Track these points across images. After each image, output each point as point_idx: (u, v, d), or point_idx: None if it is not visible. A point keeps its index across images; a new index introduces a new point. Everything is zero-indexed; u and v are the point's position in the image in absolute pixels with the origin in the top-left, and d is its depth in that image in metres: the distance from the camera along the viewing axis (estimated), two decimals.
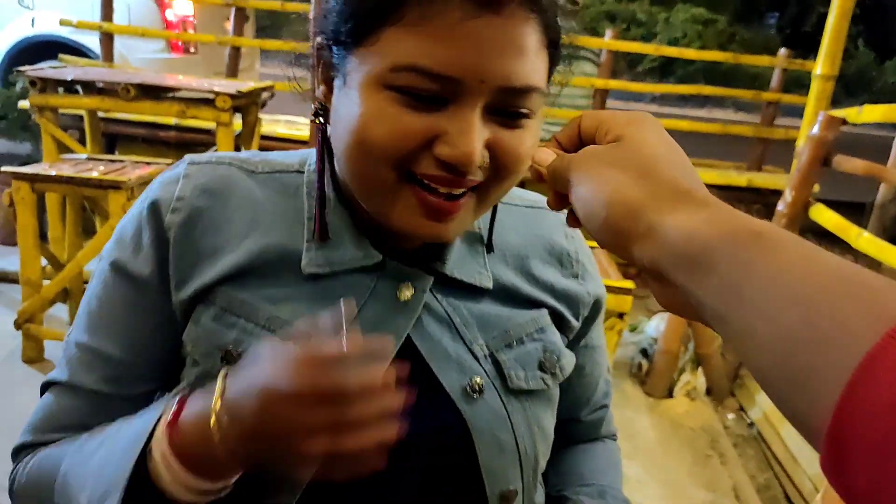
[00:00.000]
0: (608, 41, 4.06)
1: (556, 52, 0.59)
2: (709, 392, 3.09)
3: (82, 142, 3.70)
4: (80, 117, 3.70)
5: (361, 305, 0.62)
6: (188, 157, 0.68)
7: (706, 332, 2.90)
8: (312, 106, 0.64)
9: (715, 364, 3.01)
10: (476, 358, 0.65)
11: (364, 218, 0.64)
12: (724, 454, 2.74)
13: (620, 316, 2.21)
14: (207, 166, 0.65)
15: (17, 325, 2.79)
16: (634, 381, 3.20)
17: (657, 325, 3.20)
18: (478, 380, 0.64)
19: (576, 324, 0.74)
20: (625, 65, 12.37)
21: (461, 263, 0.67)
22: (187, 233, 0.62)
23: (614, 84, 4.21)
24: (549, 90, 0.62)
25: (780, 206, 2.80)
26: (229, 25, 4.75)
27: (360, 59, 0.54)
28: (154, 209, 0.63)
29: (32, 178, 2.67)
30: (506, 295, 0.69)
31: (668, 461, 2.67)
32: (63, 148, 3.30)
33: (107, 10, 4.35)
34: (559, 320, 0.73)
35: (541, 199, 0.74)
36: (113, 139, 4.25)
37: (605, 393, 0.86)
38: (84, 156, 3.16)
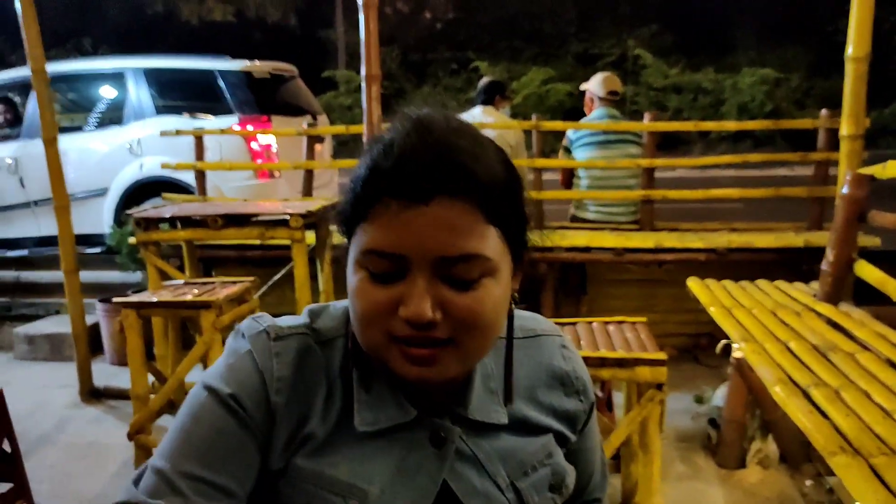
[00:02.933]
0: (647, 123, 4.24)
1: (507, 222, 0.70)
2: (784, 459, 3.04)
3: (182, 268, 4.19)
4: (180, 246, 4.21)
5: (405, 455, 0.74)
6: (268, 326, 0.76)
7: (770, 398, 2.89)
8: None
9: (785, 430, 2.97)
10: (500, 489, 0.77)
11: (395, 376, 0.73)
12: None
13: (659, 387, 2.30)
14: (290, 340, 0.75)
15: (130, 437, 3.16)
16: (706, 453, 3.19)
17: (723, 393, 3.20)
18: None
19: (574, 438, 0.87)
20: (696, 134, 12.38)
21: (480, 406, 0.78)
22: (287, 413, 0.73)
23: (659, 162, 4.34)
24: (520, 253, 0.74)
25: (824, 266, 2.83)
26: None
27: (351, 247, 0.71)
28: (261, 390, 0.72)
29: (138, 306, 3.09)
30: (519, 425, 0.80)
31: None
32: (166, 276, 3.77)
33: (199, 151, 4.97)
34: (561, 438, 0.85)
35: (537, 326, 0.87)
36: (209, 262, 4.76)
37: (599, 486, 0.96)
38: (181, 281, 3.60)
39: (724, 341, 3.10)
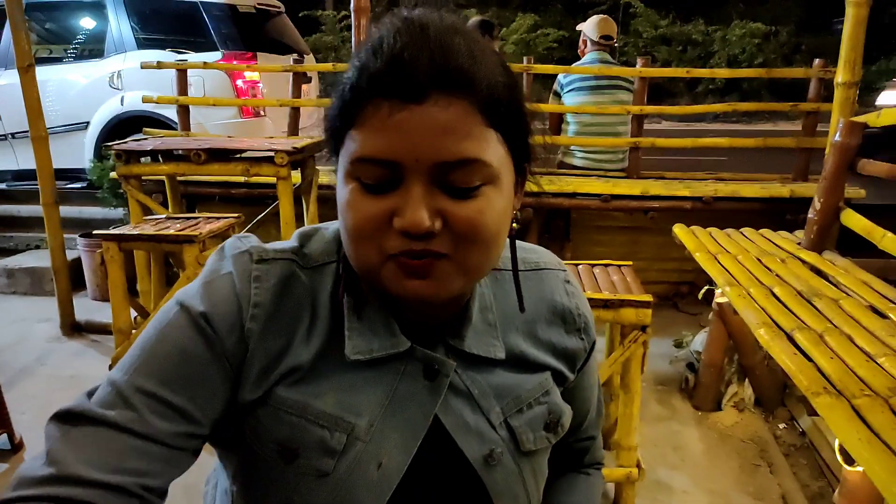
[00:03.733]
0: (639, 69, 4.18)
1: (508, 126, 0.64)
2: (758, 403, 3.11)
3: (165, 204, 4.13)
4: (163, 182, 4.13)
5: (395, 385, 0.71)
6: (248, 247, 0.72)
7: (749, 343, 2.94)
8: None
9: (761, 374, 3.03)
10: (493, 426, 0.74)
11: (388, 300, 0.71)
12: (774, 463, 2.76)
13: (643, 329, 2.32)
14: (274, 265, 0.70)
15: (111, 369, 3.15)
16: (683, 396, 3.26)
17: (702, 339, 3.25)
18: (496, 449, 0.73)
19: (571, 377, 0.83)
20: (684, 87, 12.30)
21: (477, 339, 0.74)
22: (263, 341, 0.68)
23: (649, 109, 4.31)
24: (522, 163, 0.69)
25: (811, 214, 2.84)
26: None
27: (340, 159, 0.65)
28: (236, 315, 0.68)
29: (119, 238, 3.05)
30: (516, 361, 0.77)
31: (715, 471, 2.72)
32: (148, 211, 3.71)
33: (182, 85, 4.84)
34: (559, 377, 0.81)
35: (542, 259, 0.83)
36: (193, 199, 4.69)
37: (594, 424, 0.94)
38: (164, 216, 3.55)
39: (706, 287, 3.14)
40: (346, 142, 0.64)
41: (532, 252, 0.83)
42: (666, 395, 3.27)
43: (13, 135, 5.73)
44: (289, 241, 0.75)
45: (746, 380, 3.09)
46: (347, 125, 0.63)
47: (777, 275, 2.57)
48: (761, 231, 3.27)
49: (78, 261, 4.49)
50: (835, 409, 1.62)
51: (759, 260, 2.76)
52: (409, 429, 0.71)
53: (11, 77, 4.68)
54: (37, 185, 3.87)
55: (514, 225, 0.73)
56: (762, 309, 2.25)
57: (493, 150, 0.63)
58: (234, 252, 0.71)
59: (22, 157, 5.68)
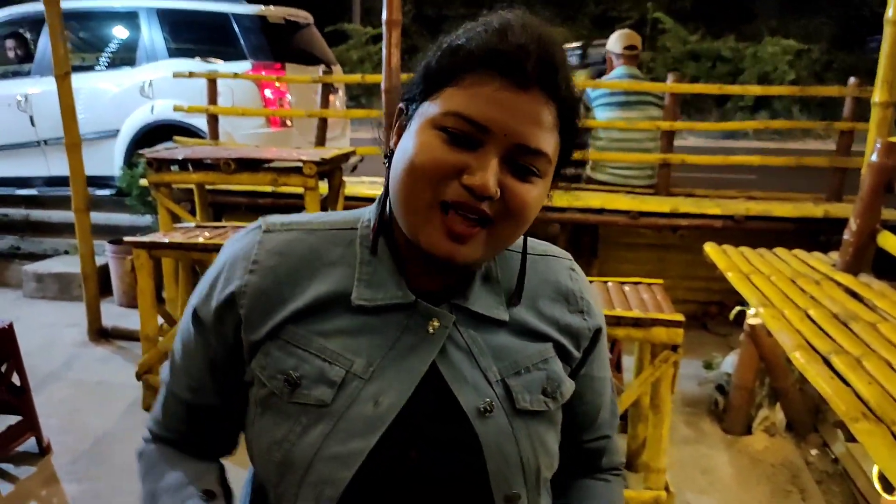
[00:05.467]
0: (670, 85, 4.14)
1: (566, 137, 0.74)
2: (790, 428, 3.04)
3: (193, 212, 4.16)
4: (190, 190, 4.17)
5: (398, 336, 0.76)
6: (262, 221, 0.82)
7: (781, 365, 2.88)
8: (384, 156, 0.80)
9: (793, 398, 2.97)
10: (489, 383, 0.77)
11: (403, 262, 0.78)
12: (806, 490, 2.69)
13: (674, 349, 2.28)
14: (278, 234, 0.80)
15: (138, 376, 3.17)
16: (712, 419, 3.19)
17: (732, 361, 3.19)
18: (489, 401, 0.76)
19: (577, 354, 0.85)
20: (712, 103, 12.20)
21: (480, 300, 0.79)
22: (262, 289, 0.77)
23: (680, 125, 4.26)
24: (559, 171, 0.77)
25: (846, 236, 2.78)
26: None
27: (425, 109, 0.72)
28: (233, 271, 0.78)
29: (149, 246, 3.07)
30: (518, 328, 0.81)
31: (745, 497, 2.65)
32: (177, 218, 3.74)
33: (211, 95, 4.90)
34: (563, 352, 0.84)
35: (549, 248, 0.90)
36: (220, 208, 4.73)
37: (608, 423, 0.94)
38: (193, 224, 3.57)
39: (738, 307, 3.08)
40: (442, 95, 0.71)
41: (543, 244, 0.90)
42: (695, 418, 3.21)
43: (45, 141, 5.82)
44: (305, 216, 0.84)
45: (778, 404, 3.03)
46: (448, 81, 0.71)
47: (812, 297, 2.52)
48: (794, 251, 3.21)
49: (106, 267, 4.54)
50: (874, 436, 1.58)
51: (793, 281, 2.71)
52: (406, 373, 0.75)
53: (45, 85, 4.77)
54: (67, 190, 3.92)
55: None
56: (798, 331, 2.20)
57: (554, 150, 0.73)
58: (250, 227, 0.82)
59: (53, 164, 5.77)
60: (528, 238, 0.87)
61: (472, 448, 0.75)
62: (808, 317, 2.31)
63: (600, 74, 4.63)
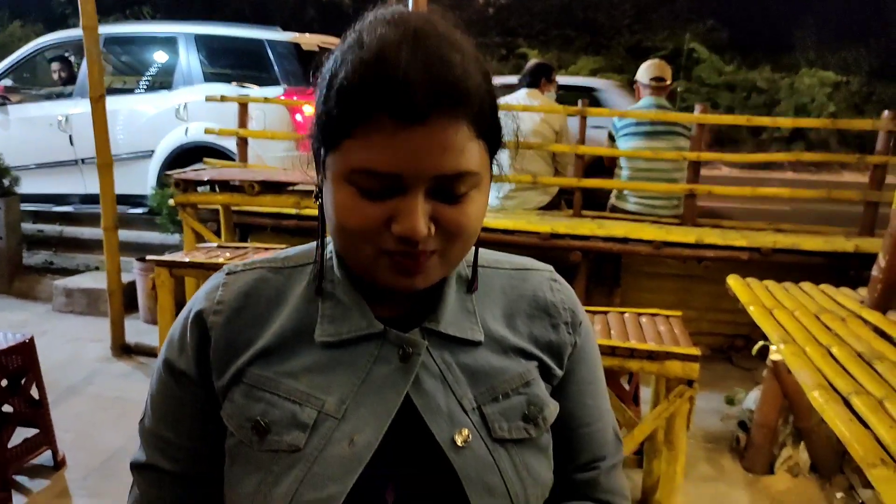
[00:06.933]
0: (697, 115, 4.10)
1: (493, 135, 0.71)
2: (814, 469, 2.93)
3: (218, 233, 4.22)
4: (218, 211, 4.23)
5: (369, 368, 0.73)
6: (226, 267, 0.82)
7: (805, 404, 2.78)
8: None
9: (818, 438, 2.86)
10: (465, 411, 0.73)
11: (365, 290, 0.75)
12: None
13: (689, 383, 2.22)
14: (242, 274, 0.79)
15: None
16: (733, 456, 3.09)
17: (756, 397, 3.09)
18: (465, 431, 0.72)
19: (559, 372, 0.81)
20: (747, 134, 12.04)
21: (454, 321, 0.76)
22: (227, 330, 0.75)
23: (707, 156, 4.21)
24: (496, 160, 0.74)
25: (875, 272, 2.70)
26: None
27: (332, 161, 0.68)
28: (198, 315, 0.76)
29: (170, 265, 3.12)
30: (496, 345, 0.77)
31: None
32: (202, 238, 3.80)
33: (242, 118, 4.99)
34: (545, 370, 0.80)
35: (527, 262, 0.86)
36: (246, 229, 4.79)
37: (601, 455, 0.85)
38: (216, 244, 3.62)
39: (761, 343, 3.00)
40: (342, 148, 0.66)
41: (525, 260, 0.87)
42: (715, 454, 3.12)
43: (83, 160, 5.98)
44: (268, 256, 0.83)
45: (802, 443, 2.92)
46: (343, 133, 0.66)
47: (836, 334, 2.44)
48: (821, 287, 3.12)
49: (133, 284, 4.62)
50: (892, 484, 1.50)
51: (817, 317, 2.63)
52: (381, 407, 0.71)
53: (85, 106, 4.90)
54: (100, 208, 4.01)
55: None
56: (818, 369, 2.12)
57: (480, 159, 0.69)
58: (214, 276, 0.81)
59: (89, 182, 5.92)
60: (507, 254, 0.87)
61: (452, 483, 0.71)
62: (831, 355, 2.24)
63: None
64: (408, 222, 0.65)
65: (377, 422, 0.71)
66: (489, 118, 0.69)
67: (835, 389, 1.98)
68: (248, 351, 0.74)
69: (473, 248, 0.79)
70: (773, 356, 2.82)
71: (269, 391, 0.72)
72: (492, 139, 0.71)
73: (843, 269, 3.71)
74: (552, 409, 0.79)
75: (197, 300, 0.78)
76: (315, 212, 0.82)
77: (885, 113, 3.99)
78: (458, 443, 0.71)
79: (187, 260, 3.12)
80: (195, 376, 0.76)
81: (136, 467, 0.82)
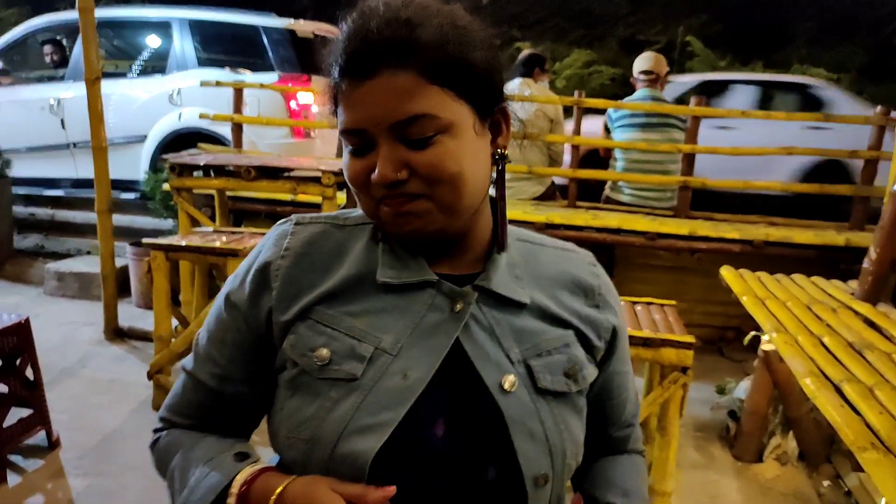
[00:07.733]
0: (691, 108, 4.13)
1: (459, 80, 0.74)
2: (802, 458, 2.98)
3: (213, 218, 4.21)
4: (212, 196, 4.22)
5: (423, 314, 0.79)
6: (294, 217, 0.89)
7: (795, 393, 2.83)
8: None
9: (806, 427, 2.91)
10: (511, 362, 0.79)
11: (420, 248, 0.82)
12: None
13: (684, 370, 2.25)
14: (309, 225, 0.86)
15: (150, 376, 3.20)
16: (723, 444, 3.14)
17: (746, 387, 3.14)
18: (511, 377, 0.78)
19: (599, 344, 0.87)
20: None
21: (502, 283, 0.82)
22: (292, 273, 0.82)
23: (701, 148, 4.24)
24: (490, 105, 0.78)
25: (866, 264, 2.74)
26: None
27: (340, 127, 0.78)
28: (264, 265, 0.83)
29: (166, 248, 3.12)
30: (539, 312, 0.83)
31: None
32: (197, 223, 3.79)
33: (237, 105, 4.97)
34: (585, 341, 0.86)
35: (568, 245, 0.93)
36: (241, 215, 4.78)
37: (632, 414, 0.98)
38: (211, 229, 3.61)
39: (752, 333, 3.04)
40: (338, 114, 0.77)
41: (568, 243, 0.94)
42: (705, 443, 3.16)
43: (75, 144, 5.95)
44: (332, 213, 0.90)
45: (791, 432, 2.97)
46: (335, 101, 0.77)
47: (827, 324, 2.48)
48: (813, 278, 3.16)
49: (125, 268, 4.61)
50: (882, 466, 1.54)
51: (809, 308, 2.66)
52: (433, 348, 0.77)
53: (77, 90, 4.87)
54: (92, 192, 4.00)
55: (501, 160, 0.82)
56: (810, 358, 2.16)
57: (444, 105, 0.73)
58: (280, 224, 0.87)
59: (81, 166, 5.88)
60: (548, 237, 0.93)
61: (497, 424, 0.76)
62: (822, 344, 2.27)
63: None
64: (378, 169, 0.73)
65: (429, 360, 0.77)
66: (454, 65, 0.74)
67: (826, 377, 2.02)
68: (313, 292, 0.80)
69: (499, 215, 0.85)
70: (765, 346, 2.86)
71: (332, 327, 0.79)
72: (465, 85, 0.75)
73: (834, 262, 3.76)
74: (590, 370, 0.86)
75: (266, 246, 0.85)
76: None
77: (878, 108, 4.03)
78: (506, 387, 0.78)
79: (184, 244, 3.11)
80: (246, 314, 0.83)
81: (183, 369, 0.89)
